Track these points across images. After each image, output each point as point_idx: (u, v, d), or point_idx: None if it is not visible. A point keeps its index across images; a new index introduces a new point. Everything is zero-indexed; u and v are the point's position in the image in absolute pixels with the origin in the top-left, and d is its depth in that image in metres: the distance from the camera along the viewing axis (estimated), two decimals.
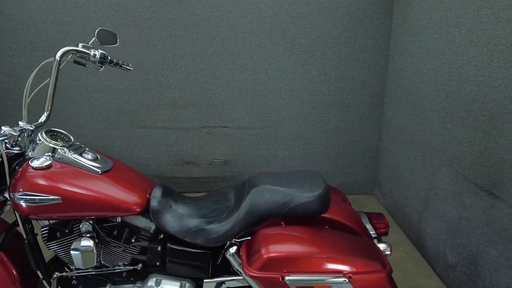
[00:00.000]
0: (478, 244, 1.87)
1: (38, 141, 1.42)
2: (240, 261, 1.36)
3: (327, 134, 3.20)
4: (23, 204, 1.31)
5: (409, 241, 2.67)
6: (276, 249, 1.25)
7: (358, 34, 2.96)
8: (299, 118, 3.14)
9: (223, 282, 1.47)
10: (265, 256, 1.23)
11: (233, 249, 1.37)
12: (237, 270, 1.39)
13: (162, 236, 1.55)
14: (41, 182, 1.32)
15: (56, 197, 1.32)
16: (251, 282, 1.34)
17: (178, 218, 1.45)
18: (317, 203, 1.37)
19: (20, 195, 1.30)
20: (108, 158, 1.56)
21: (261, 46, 2.96)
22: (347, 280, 1.22)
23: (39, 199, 1.31)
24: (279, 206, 1.37)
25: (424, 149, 2.43)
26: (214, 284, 1.49)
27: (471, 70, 1.92)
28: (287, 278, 1.22)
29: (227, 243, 1.43)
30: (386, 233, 1.56)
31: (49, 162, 1.36)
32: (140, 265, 1.52)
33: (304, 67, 3.01)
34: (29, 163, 1.36)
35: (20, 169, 1.36)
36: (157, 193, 1.50)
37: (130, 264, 1.53)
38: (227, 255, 1.38)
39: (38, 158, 1.37)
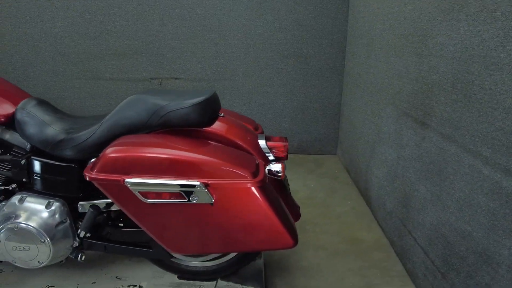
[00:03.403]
0: (411, 183, 1.66)
1: None
2: None
3: (285, 88, 2.99)
4: None
5: (360, 196, 2.47)
6: (119, 150, 1.08)
7: None
8: (255, 69, 2.94)
9: (90, 206, 1.32)
10: (106, 157, 1.07)
11: (92, 161, 1.22)
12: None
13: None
14: None
15: None
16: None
17: (41, 129, 1.30)
18: (191, 110, 1.20)
19: None
20: None
21: None
22: (202, 186, 1.05)
23: None
24: (151, 116, 1.20)
25: (373, 92, 2.22)
26: (89, 205, 1.35)
27: None
28: (127, 180, 1.06)
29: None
30: (285, 157, 1.38)
31: None
32: (13, 186, 1.39)
33: (258, 12, 2.80)
34: None
35: None
36: (25, 104, 1.35)
37: (2, 184, 1.39)
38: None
39: None
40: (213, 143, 1.21)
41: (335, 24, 2.83)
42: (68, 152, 1.25)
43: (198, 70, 2.96)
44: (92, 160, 1.21)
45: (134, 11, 2.82)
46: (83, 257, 1.39)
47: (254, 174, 1.09)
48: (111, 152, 1.07)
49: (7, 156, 1.33)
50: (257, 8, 2.79)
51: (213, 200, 1.05)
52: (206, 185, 1.05)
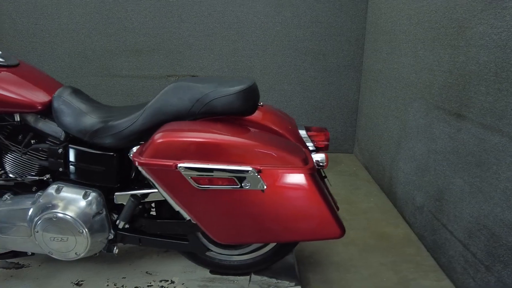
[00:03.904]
0: (445, 176, 1.64)
1: None
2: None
3: (302, 86, 2.98)
4: None
5: (382, 193, 2.45)
6: (171, 135, 1.06)
7: None
8: (272, 67, 2.93)
9: (131, 196, 1.29)
10: (157, 141, 1.05)
11: (134, 149, 1.19)
12: (143, 174, 1.21)
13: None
14: None
15: None
16: (159, 189, 1.16)
17: (80, 116, 1.28)
18: (236, 98, 1.17)
19: None
20: (15, 58, 1.40)
21: None
22: (255, 172, 1.03)
23: None
24: (194, 104, 1.18)
25: (398, 87, 2.20)
26: (125, 197, 1.32)
27: None
28: (180, 165, 1.03)
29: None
30: (326, 147, 1.36)
31: None
32: (47, 176, 1.36)
33: (277, 9, 2.79)
34: None
35: None
36: (61, 92, 1.33)
37: (37, 174, 1.36)
38: (130, 156, 1.20)
39: None
40: (259, 130, 1.19)
41: (353, 22, 2.82)
42: (108, 140, 1.23)
43: (215, 67, 2.94)
44: (137, 146, 1.19)
45: (152, 8, 2.81)
46: (117, 250, 1.36)
47: (305, 161, 1.07)
48: (162, 136, 1.04)
49: (44, 145, 1.30)
50: (276, 5, 2.79)
51: (265, 187, 1.03)
52: (259, 171, 1.02)
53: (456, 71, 1.56)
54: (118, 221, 1.27)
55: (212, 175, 1.03)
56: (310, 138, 1.32)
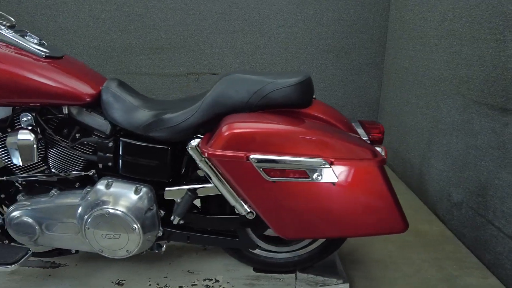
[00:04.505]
0: (488, 172, 1.63)
1: None
2: (202, 156, 1.15)
3: (324, 83, 2.96)
4: None
5: (410, 191, 2.43)
6: (241, 126, 1.03)
7: None
8: (294, 64, 2.90)
9: (188, 191, 1.25)
10: (227, 133, 1.02)
11: (195, 142, 1.16)
12: (200, 167, 1.18)
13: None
14: None
15: None
16: (217, 183, 1.13)
17: (131, 110, 1.24)
18: (294, 90, 1.15)
19: None
20: (60, 50, 1.36)
21: None
22: (327, 164, 1.00)
23: None
24: (251, 96, 1.15)
25: (428, 84, 2.19)
26: (178, 192, 1.28)
27: None
28: (252, 156, 1.00)
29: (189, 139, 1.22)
30: (380, 140, 1.33)
31: None
32: (93, 171, 1.32)
33: (300, 7, 2.78)
34: None
35: None
36: (110, 84, 1.29)
37: (82, 170, 1.32)
38: (188, 149, 1.17)
39: None
40: (322, 123, 1.16)
41: (375, 19, 2.82)
42: (163, 134, 1.19)
43: (236, 65, 2.91)
44: (197, 139, 1.15)
45: (173, 4, 2.78)
46: (163, 248, 1.32)
47: (375, 154, 1.04)
48: (233, 128, 1.01)
49: (93, 139, 1.26)
50: (298, 3, 2.77)
51: (336, 179, 1.00)
52: (331, 163, 1.00)
53: (502, 65, 1.55)
54: (172, 217, 1.23)
55: (284, 167, 1.00)
56: (365, 131, 1.30)
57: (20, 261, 1.15)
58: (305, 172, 1.00)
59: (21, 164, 1.22)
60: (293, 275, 1.52)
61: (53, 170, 1.34)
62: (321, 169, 0.99)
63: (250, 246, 1.38)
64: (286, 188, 1.02)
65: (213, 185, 1.20)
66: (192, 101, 1.24)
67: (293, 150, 1.00)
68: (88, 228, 1.20)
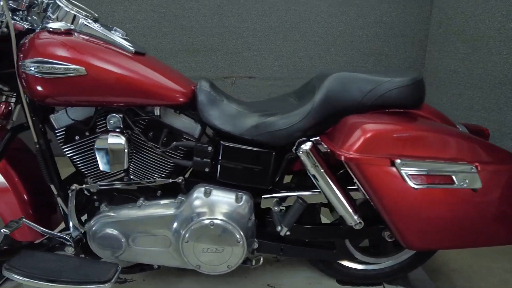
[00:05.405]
0: None
1: (55, 7, 1.11)
2: (315, 161, 1.06)
3: None
4: (36, 74, 1.00)
5: None
6: (380, 128, 0.94)
7: None
8: (334, 67, 2.84)
9: (299, 198, 1.14)
10: (368, 134, 0.93)
11: (307, 145, 1.06)
12: (311, 173, 1.08)
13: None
14: (60, 46, 1.01)
15: (80, 67, 1.01)
16: (327, 191, 1.04)
17: (233, 112, 1.14)
18: (411, 89, 1.07)
19: (31, 62, 0.99)
20: (141, 47, 1.25)
21: None
22: (474, 169, 0.91)
23: (57, 67, 0.99)
24: (365, 95, 1.07)
25: (486, 87, 2.14)
26: (274, 201, 1.18)
27: None
28: (398, 161, 0.91)
29: (294, 143, 1.13)
30: None
31: (69, 27, 1.06)
32: (181, 178, 1.20)
33: (341, 9, 2.72)
34: (45, 27, 1.06)
35: (31, 35, 1.05)
36: (204, 84, 1.20)
37: (168, 177, 1.21)
38: (299, 153, 1.07)
39: (55, 22, 1.06)
40: (447, 124, 1.08)
41: (417, 22, 2.78)
42: (269, 137, 1.10)
43: (274, 68, 2.83)
44: (308, 142, 1.05)
45: (212, 5, 2.69)
46: (261, 261, 1.21)
47: None
48: (374, 129, 0.92)
49: (189, 143, 1.15)
50: (340, 5, 2.71)
51: (480, 186, 0.92)
52: (476, 167, 0.91)
53: None
54: (279, 228, 1.12)
55: (431, 173, 0.91)
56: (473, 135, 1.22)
57: (113, 279, 1.03)
58: (451, 178, 0.91)
59: (110, 171, 1.11)
60: (380, 287, 1.43)
61: (132, 177, 1.23)
62: (468, 175, 0.91)
63: (348, 258, 1.28)
64: (429, 195, 0.94)
65: (320, 192, 1.11)
66: (290, 106, 1.16)
67: (437, 154, 0.92)
68: (187, 242, 1.08)
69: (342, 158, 0.93)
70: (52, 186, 1.20)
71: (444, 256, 1.72)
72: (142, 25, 2.72)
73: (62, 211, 1.24)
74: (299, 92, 1.28)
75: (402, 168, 0.91)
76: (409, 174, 0.92)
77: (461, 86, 2.40)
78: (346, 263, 1.37)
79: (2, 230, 1.03)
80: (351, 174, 0.98)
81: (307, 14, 2.73)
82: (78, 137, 1.17)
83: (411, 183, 0.91)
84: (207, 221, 1.07)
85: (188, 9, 2.69)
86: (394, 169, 0.91)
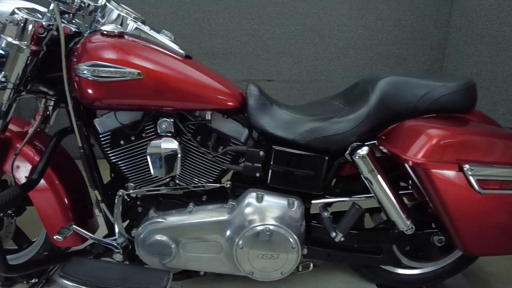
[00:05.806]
0: None
1: (105, 10, 1.10)
2: (372, 167, 1.04)
3: None
4: (90, 77, 0.98)
5: None
6: (448, 132, 0.93)
7: None
8: (353, 70, 2.83)
9: (355, 204, 1.12)
10: (435, 139, 0.91)
11: (363, 150, 1.05)
12: (367, 178, 1.07)
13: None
14: (116, 49, 0.99)
15: (135, 70, 0.99)
16: (382, 196, 1.03)
17: (284, 117, 1.13)
18: (464, 94, 1.07)
19: (86, 66, 0.97)
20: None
21: None
22: None
23: (113, 70, 0.97)
24: (418, 100, 1.07)
25: (511, 90, 2.14)
26: (320, 206, 1.17)
27: None
28: (467, 167, 0.90)
29: (346, 148, 1.11)
30: None
31: (122, 30, 1.04)
32: (229, 183, 1.19)
33: (361, 12, 2.72)
34: (97, 30, 1.04)
35: (83, 40, 1.03)
36: (253, 88, 1.18)
37: (215, 181, 1.19)
38: (355, 158, 1.06)
39: (108, 25, 1.04)
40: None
41: (436, 26, 2.78)
42: (324, 142, 1.08)
43: (293, 71, 2.82)
44: (365, 147, 1.04)
45: (232, 8, 2.68)
46: (311, 267, 1.19)
47: None
48: (441, 134, 0.91)
49: (241, 147, 1.13)
50: (360, 8, 2.71)
51: None
52: None
53: None
54: (334, 234, 1.10)
55: (499, 178, 0.91)
56: None
57: (167, 287, 1.01)
58: None
59: (162, 176, 1.09)
60: None
61: (177, 182, 1.21)
62: None
63: (395, 263, 1.26)
64: (496, 200, 0.93)
65: (372, 197, 1.10)
66: (339, 110, 1.14)
67: (503, 159, 0.92)
68: (242, 248, 1.06)
69: (410, 163, 0.92)
70: (96, 192, 1.18)
71: (479, 260, 1.71)
72: (160, 27, 2.69)
73: (105, 217, 1.21)
74: (345, 96, 1.27)
75: (470, 173, 0.90)
76: (477, 180, 0.91)
77: (484, 89, 2.40)
78: (389, 267, 1.36)
79: (55, 237, 1.00)
80: (415, 179, 0.96)
81: (327, 17, 2.72)
82: (123, 142, 1.15)
83: (478, 188, 0.90)
84: (261, 227, 1.05)
85: (207, 12, 2.68)
86: (461, 174, 0.91)
